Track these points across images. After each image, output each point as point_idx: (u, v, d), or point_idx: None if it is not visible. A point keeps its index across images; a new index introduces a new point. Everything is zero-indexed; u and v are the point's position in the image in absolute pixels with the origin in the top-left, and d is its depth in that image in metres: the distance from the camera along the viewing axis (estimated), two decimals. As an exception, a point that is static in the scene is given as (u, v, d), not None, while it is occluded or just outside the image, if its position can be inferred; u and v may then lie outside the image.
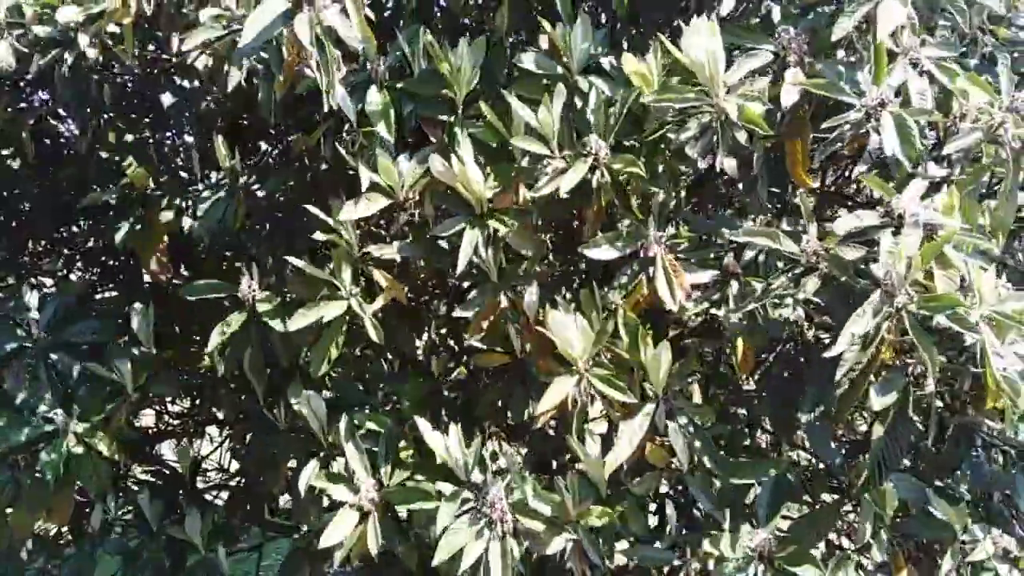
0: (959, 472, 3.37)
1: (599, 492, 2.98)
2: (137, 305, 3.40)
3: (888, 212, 2.65)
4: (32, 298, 3.52)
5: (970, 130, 2.81)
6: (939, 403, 2.93)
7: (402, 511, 3.04)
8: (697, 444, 2.89)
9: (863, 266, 2.66)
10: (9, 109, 3.95)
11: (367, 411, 3.22)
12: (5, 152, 4.23)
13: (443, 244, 3.15)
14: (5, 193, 4.41)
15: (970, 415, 3.21)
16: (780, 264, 2.95)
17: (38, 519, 3.48)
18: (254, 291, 3.15)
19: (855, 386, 2.62)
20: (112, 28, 3.19)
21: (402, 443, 3.17)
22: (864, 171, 2.81)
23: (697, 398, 3.07)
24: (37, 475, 3.29)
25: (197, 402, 4.84)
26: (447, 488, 2.85)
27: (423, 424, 2.93)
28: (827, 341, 3.15)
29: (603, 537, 2.94)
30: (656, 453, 2.95)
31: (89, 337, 3.49)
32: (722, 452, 3.03)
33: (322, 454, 3.15)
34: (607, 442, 3.02)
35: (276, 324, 3.08)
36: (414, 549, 3.04)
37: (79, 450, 3.21)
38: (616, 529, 2.99)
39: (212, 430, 5.13)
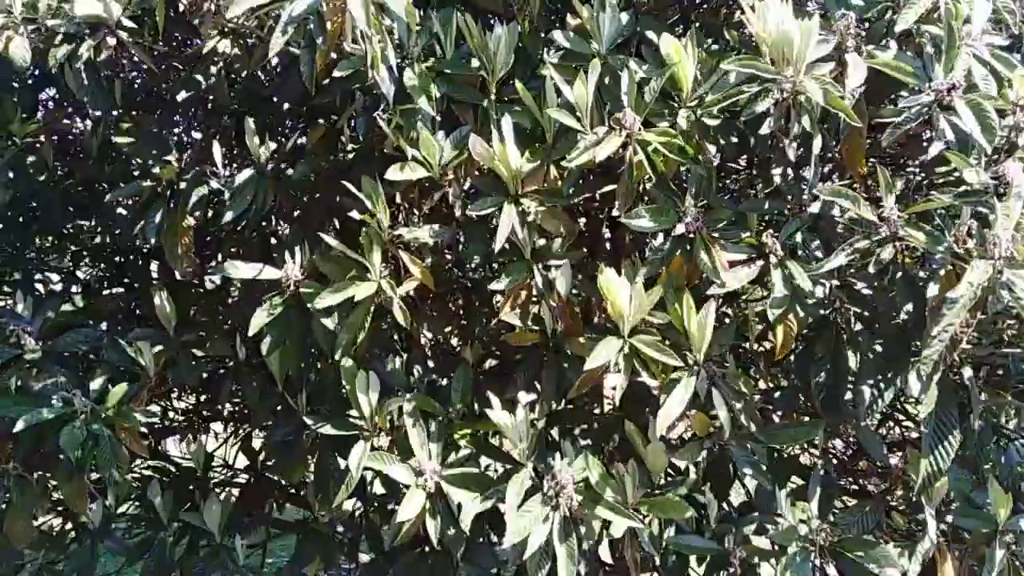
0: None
1: (652, 482, 3.05)
2: (157, 298, 3.43)
3: (997, 177, 2.63)
4: (24, 307, 3.48)
5: None
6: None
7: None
8: (739, 409, 2.92)
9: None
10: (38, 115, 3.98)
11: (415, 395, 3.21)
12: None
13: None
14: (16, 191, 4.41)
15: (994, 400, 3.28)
16: (804, 251, 3.00)
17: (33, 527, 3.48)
18: (295, 275, 3.14)
19: (950, 346, 2.59)
20: (127, 23, 3.23)
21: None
22: (940, 151, 2.78)
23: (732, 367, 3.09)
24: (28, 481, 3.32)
25: (203, 398, 4.85)
26: (513, 470, 2.91)
27: (495, 400, 2.96)
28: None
29: (654, 526, 2.99)
30: (701, 421, 2.99)
31: (83, 347, 3.47)
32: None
33: (369, 436, 3.14)
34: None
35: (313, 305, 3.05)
36: (462, 535, 3.05)
37: (99, 430, 3.15)
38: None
39: (217, 427, 5.14)
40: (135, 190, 3.60)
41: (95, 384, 3.29)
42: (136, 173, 3.77)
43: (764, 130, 2.77)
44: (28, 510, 3.38)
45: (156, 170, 3.54)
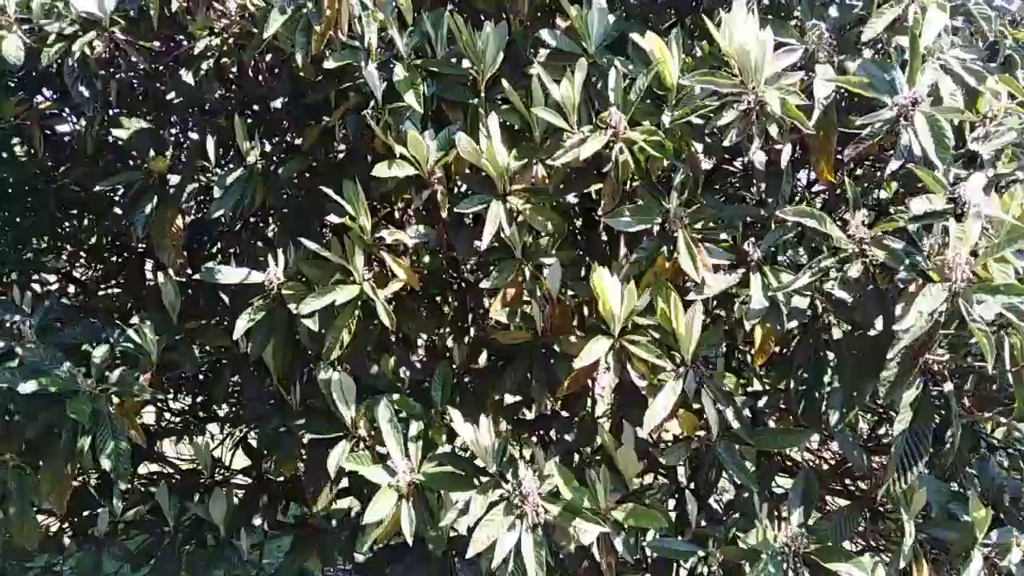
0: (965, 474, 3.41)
1: (627, 486, 3.05)
2: (162, 277, 3.44)
3: (953, 199, 2.60)
4: (22, 299, 3.50)
5: (1007, 130, 2.84)
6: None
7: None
8: (727, 410, 2.91)
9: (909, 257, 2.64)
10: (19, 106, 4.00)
11: (395, 396, 3.21)
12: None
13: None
14: (10, 189, 4.42)
15: (976, 415, 3.28)
16: (786, 256, 3.00)
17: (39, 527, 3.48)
18: (279, 277, 3.15)
19: (907, 367, 2.63)
20: (120, 22, 3.25)
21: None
22: (896, 168, 2.75)
23: (720, 368, 3.09)
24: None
25: (199, 399, 4.86)
26: (480, 479, 2.89)
27: (456, 415, 2.96)
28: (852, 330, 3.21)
29: (629, 530, 2.97)
30: (688, 420, 2.99)
31: (80, 341, 3.44)
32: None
33: (351, 437, 3.17)
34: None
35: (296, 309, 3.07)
36: (443, 535, 3.05)
37: (101, 407, 3.15)
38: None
39: (212, 428, 5.15)
40: (127, 179, 3.63)
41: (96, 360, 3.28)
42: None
43: (726, 143, 2.76)
44: (28, 504, 3.35)
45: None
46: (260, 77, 3.88)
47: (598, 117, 2.89)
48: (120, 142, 3.89)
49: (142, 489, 4.08)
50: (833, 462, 4.43)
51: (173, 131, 4.37)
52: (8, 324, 3.39)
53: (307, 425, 3.29)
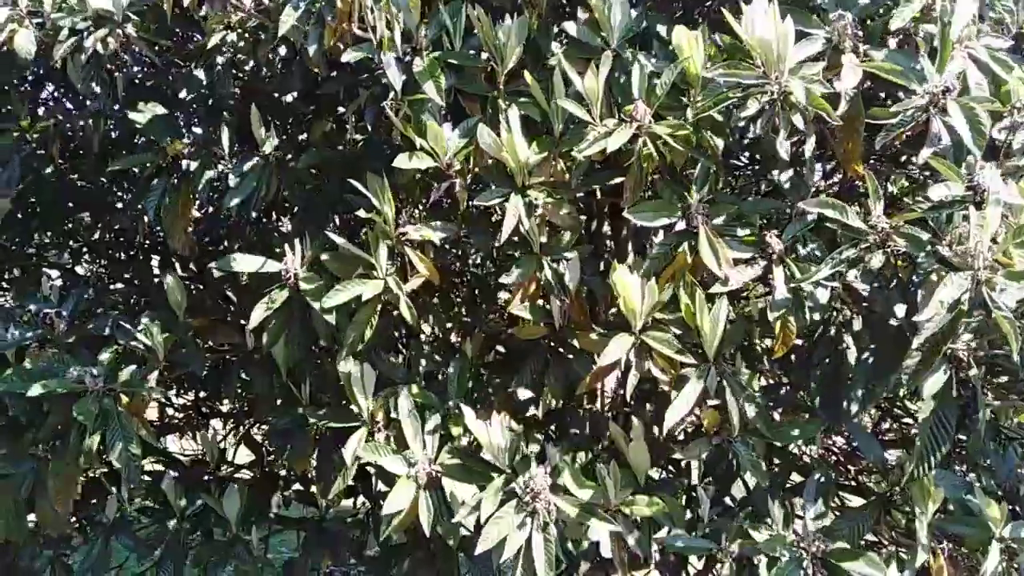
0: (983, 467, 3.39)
1: (638, 481, 3.02)
2: (169, 277, 3.41)
3: (972, 187, 2.59)
4: (50, 290, 3.52)
5: None
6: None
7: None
8: (748, 406, 2.90)
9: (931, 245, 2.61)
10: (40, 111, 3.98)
11: (413, 388, 3.19)
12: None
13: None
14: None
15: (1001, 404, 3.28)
16: (807, 249, 2.99)
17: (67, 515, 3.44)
18: (296, 268, 3.13)
19: (931, 355, 2.59)
20: (133, 17, 3.23)
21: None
22: (928, 155, 2.68)
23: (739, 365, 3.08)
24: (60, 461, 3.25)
25: (202, 394, 4.84)
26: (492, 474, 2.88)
27: (468, 412, 2.94)
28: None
29: (641, 525, 2.97)
30: (711, 416, 2.98)
31: (110, 332, 3.42)
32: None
33: (367, 427, 3.14)
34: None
35: (317, 303, 3.04)
36: (456, 528, 3.02)
37: (110, 406, 3.14)
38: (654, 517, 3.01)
39: (216, 424, 5.12)
40: (140, 160, 3.60)
41: (103, 360, 3.30)
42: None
43: (751, 135, 2.74)
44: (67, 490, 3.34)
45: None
46: (271, 72, 3.86)
47: (622, 110, 2.88)
48: (125, 140, 3.89)
49: (148, 479, 4.05)
50: (841, 457, 4.43)
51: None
52: (44, 314, 3.42)
53: (325, 415, 3.26)
